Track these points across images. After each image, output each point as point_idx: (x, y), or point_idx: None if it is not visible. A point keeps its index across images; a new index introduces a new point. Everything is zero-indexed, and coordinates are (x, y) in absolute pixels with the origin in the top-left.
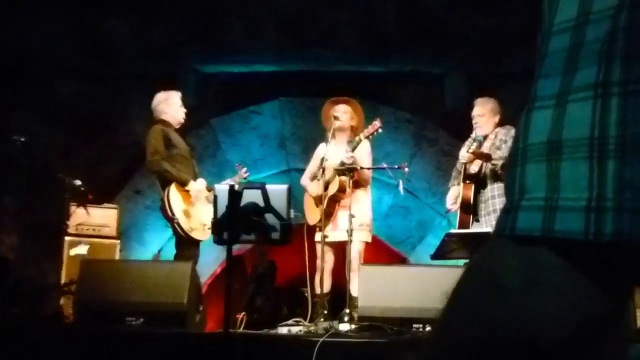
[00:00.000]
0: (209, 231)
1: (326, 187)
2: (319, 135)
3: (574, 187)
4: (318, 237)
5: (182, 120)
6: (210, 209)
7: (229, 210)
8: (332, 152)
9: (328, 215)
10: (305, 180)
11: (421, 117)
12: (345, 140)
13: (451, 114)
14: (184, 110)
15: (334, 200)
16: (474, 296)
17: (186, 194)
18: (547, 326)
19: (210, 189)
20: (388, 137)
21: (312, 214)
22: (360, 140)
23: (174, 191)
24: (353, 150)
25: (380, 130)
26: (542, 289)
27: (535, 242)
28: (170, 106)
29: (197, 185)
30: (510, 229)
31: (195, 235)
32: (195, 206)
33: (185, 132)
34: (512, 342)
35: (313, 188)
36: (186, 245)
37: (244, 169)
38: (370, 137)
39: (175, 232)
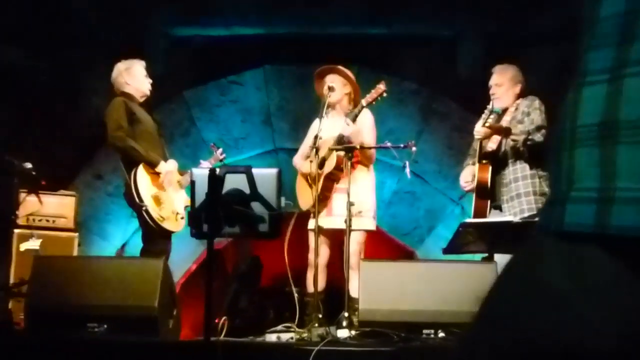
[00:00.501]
0: (182, 221)
1: (322, 166)
2: (311, 109)
3: (633, 175)
4: (311, 224)
5: (148, 93)
6: (183, 195)
7: (209, 198)
8: (327, 127)
9: (323, 199)
10: (297, 159)
11: (430, 87)
12: (340, 113)
13: (465, 83)
14: (149, 81)
15: (331, 179)
16: (512, 302)
17: (156, 176)
18: (595, 336)
19: (182, 172)
20: (392, 111)
21: (305, 197)
22: (362, 109)
23: (142, 173)
24: (354, 120)
25: (385, 95)
26: (592, 295)
27: (585, 240)
28: (132, 77)
29: (169, 167)
30: (557, 224)
31: (166, 225)
32: (167, 192)
33: (153, 106)
34: (554, 354)
35: (306, 166)
36: (156, 238)
37: (220, 150)
38: (374, 103)
39: (142, 222)
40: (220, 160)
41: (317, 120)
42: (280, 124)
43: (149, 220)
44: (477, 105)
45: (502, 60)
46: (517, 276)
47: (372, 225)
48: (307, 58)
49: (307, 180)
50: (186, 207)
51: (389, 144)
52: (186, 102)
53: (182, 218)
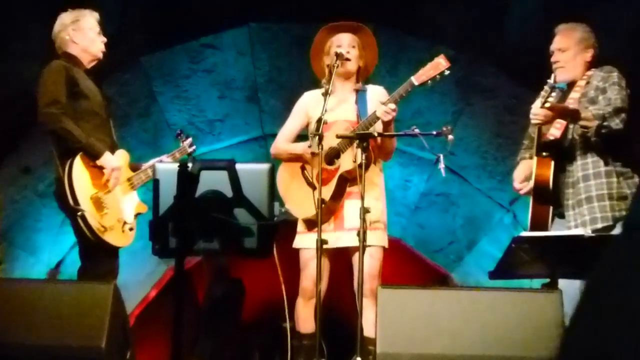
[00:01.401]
0: (132, 234)
1: (331, 162)
2: (311, 81)
3: None
4: (303, 241)
5: (100, 56)
6: (134, 198)
7: (177, 202)
8: (334, 107)
9: (331, 207)
10: (281, 144)
11: (471, 54)
12: (350, 88)
13: (518, 48)
14: (102, 39)
15: (345, 180)
16: (604, 320)
17: (98, 172)
18: None
19: (136, 167)
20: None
21: (299, 200)
22: (409, 89)
23: (79, 167)
24: (395, 103)
25: (446, 73)
26: None
27: None
28: (81, 33)
29: (116, 161)
30: None
31: (109, 238)
32: (113, 193)
33: (101, 76)
34: None
35: (296, 147)
36: (98, 255)
37: (189, 140)
38: (429, 83)
39: (78, 232)
40: (188, 154)
41: (308, 95)
42: (270, 101)
43: (85, 229)
44: (534, 78)
45: (566, 18)
46: (608, 289)
47: (385, 241)
48: (305, 14)
49: (306, 177)
50: (137, 214)
51: (416, 131)
52: (144, 71)
53: (131, 229)
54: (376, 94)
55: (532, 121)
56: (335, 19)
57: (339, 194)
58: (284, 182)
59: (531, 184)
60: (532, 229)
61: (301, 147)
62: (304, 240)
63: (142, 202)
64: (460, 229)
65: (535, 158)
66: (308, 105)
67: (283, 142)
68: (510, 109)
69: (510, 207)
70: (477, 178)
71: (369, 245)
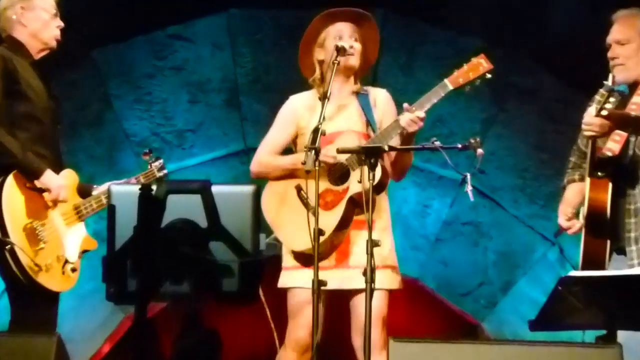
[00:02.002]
0: (74, 276)
1: (338, 182)
2: (305, 81)
3: None
4: (295, 279)
5: (53, 45)
6: (80, 230)
7: (138, 234)
8: (332, 115)
9: (335, 241)
10: (265, 158)
11: (505, 47)
12: (349, 91)
13: (564, 41)
14: (59, 24)
15: (354, 205)
16: None
17: (36, 196)
18: None
19: (87, 191)
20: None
21: (292, 229)
22: (442, 94)
23: (11, 188)
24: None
25: (488, 76)
26: None
27: None
28: (33, 13)
29: (60, 181)
30: None
31: (45, 280)
32: (53, 224)
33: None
34: None
35: (283, 161)
36: (30, 300)
37: (159, 162)
38: (465, 87)
39: (6, 271)
40: (157, 178)
41: (296, 99)
42: (254, 107)
43: (14, 268)
44: (586, 78)
45: (627, 2)
46: None
47: (395, 283)
48: None
49: (302, 198)
50: (84, 251)
51: (437, 143)
52: (97, 68)
53: (73, 270)
54: (380, 98)
55: (585, 132)
56: (335, 4)
57: (346, 222)
58: (273, 206)
59: (584, 212)
60: (585, 267)
61: (291, 160)
62: (296, 278)
63: (91, 237)
64: (493, 266)
65: (588, 179)
66: (297, 112)
67: (267, 155)
68: (555, 116)
69: (556, 239)
70: (513, 203)
71: (377, 289)
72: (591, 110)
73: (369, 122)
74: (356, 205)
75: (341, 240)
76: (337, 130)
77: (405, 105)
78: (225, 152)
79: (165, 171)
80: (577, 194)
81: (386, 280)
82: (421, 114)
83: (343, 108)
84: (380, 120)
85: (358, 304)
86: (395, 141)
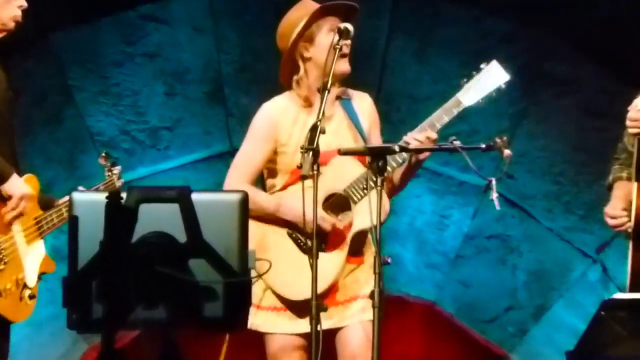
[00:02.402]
0: (32, 304)
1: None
2: None
3: None
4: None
5: (11, 26)
6: (40, 250)
7: (105, 251)
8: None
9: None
10: (238, 185)
11: (538, 29)
12: (333, 98)
13: (607, 24)
14: (20, 3)
15: (359, 244)
16: None
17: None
18: None
19: (48, 200)
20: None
21: (287, 277)
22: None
23: None
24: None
25: (503, 87)
26: None
27: None
28: None
29: (25, 188)
30: None
31: (2, 309)
32: (13, 240)
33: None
34: None
35: (264, 200)
36: None
37: (117, 169)
38: (479, 102)
39: None
40: (114, 186)
41: (273, 108)
42: (242, 100)
43: None
44: (635, 66)
45: None
46: None
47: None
48: None
49: (297, 241)
50: (42, 273)
51: (457, 143)
52: (55, 55)
53: (31, 297)
54: (366, 105)
55: (630, 130)
56: None
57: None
58: (261, 248)
59: (633, 218)
60: (633, 288)
61: (274, 203)
62: (277, 324)
63: (49, 257)
64: (524, 288)
65: (635, 184)
66: (277, 125)
67: (241, 183)
68: (597, 110)
69: (598, 255)
70: (547, 213)
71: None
72: (637, 102)
73: (360, 135)
74: (360, 242)
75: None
76: (325, 147)
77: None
78: (208, 153)
79: (122, 181)
80: (627, 193)
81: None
82: (433, 135)
83: (329, 119)
84: (367, 130)
85: (347, 337)
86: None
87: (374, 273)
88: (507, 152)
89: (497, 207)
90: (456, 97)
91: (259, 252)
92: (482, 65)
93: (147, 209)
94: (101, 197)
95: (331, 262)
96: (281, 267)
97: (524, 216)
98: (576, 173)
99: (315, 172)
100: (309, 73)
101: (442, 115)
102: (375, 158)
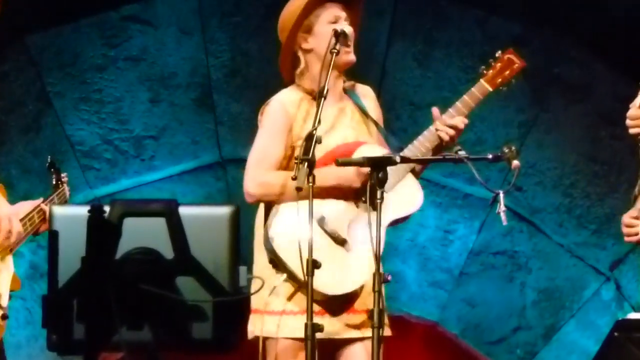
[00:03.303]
0: (3, 325)
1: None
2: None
3: None
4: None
5: None
6: (9, 268)
7: (87, 268)
8: (334, 122)
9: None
10: (267, 175)
11: (548, 30)
12: (341, 87)
13: (623, 23)
14: None
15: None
16: None
17: None
18: None
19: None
20: (467, 82)
21: (329, 269)
22: (479, 97)
23: None
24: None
25: (520, 76)
26: None
27: None
28: None
29: (7, 208)
30: None
31: None
32: None
33: None
34: None
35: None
36: None
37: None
38: (502, 86)
39: None
40: (61, 196)
41: (285, 100)
42: (232, 107)
43: None
44: None
45: None
46: None
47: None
48: None
49: (326, 231)
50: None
51: (462, 153)
52: (31, 59)
53: (4, 318)
54: (370, 96)
55: (631, 130)
56: None
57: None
58: (287, 237)
59: None
60: None
61: (334, 175)
62: (295, 327)
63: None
64: (533, 307)
65: None
66: (292, 116)
67: (269, 172)
68: (611, 118)
69: (612, 272)
70: (558, 227)
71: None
72: (637, 101)
73: (376, 126)
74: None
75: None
76: (342, 140)
77: (435, 110)
78: (196, 164)
79: (68, 192)
80: None
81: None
82: (464, 119)
83: (342, 112)
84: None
85: (352, 356)
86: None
87: (373, 291)
88: (515, 162)
89: (505, 222)
90: (480, 82)
91: (288, 243)
92: (498, 54)
93: (131, 223)
94: (83, 210)
95: (365, 256)
96: (325, 259)
97: (533, 231)
98: (588, 185)
99: (311, 184)
100: (311, 65)
101: (467, 100)
102: (377, 168)
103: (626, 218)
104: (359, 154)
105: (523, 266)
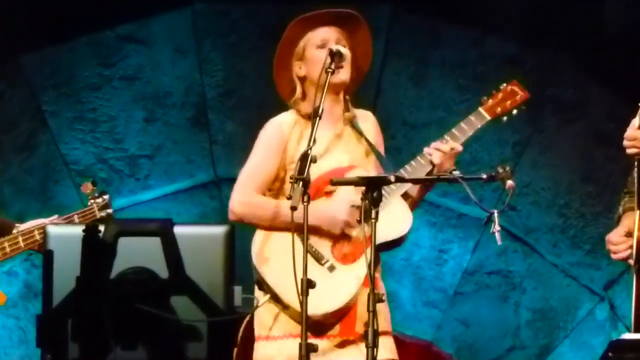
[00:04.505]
0: None
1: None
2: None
3: None
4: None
5: None
6: None
7: (82, 287)
8: (329, 145)
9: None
10: (253, 198)
11: (542, 51)
12: (340, 112)
13: (617, 45)
14: None
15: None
16: None
17: None
18: None
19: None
20: (461, 102)
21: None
22: (477, 125)
23: None
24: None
25: (523, 107)
26: None
27: None
28: None
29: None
30: None
31: None
32: None
33: None
34: None
35: (280, 206)
36: None
37: (103, 198)
38: (502, 116)
39: None
40: (102, 218)
41: (283, 121)
42: (227, 126)
43: None
44: None
45: None
46: None
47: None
48: None
49: (315, 255)
50: None
51: (456, 173)
52: (27, 79)
53: None
54: (370, 123)
55: (628, 150)
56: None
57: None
58: (275, 263)
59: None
60: (638, 327)
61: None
62: (292, 349)
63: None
64: (527, 327)
65: (638, 212)
66: (287, 138)
67: (254, 194)
68: (605, 138)
69: (606, 292)
70: (552, 247)
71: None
72: (636, 120)
73: (374, 152)
74: (379, 257)
75: (355, 300)
76: (337, 164)
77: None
78: (191, 183)
79: (109, 210)
80: (629, 224)
81: (388, 348)
82: (459, 147)
83: (340, 137)
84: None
85: None
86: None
87: (368, 311)
88: (509, 182)
89: (499, 242)
90: (479, 111)
91: (280, 254)
92: (503, 85)
93: (126, 243)
94: (78, 230)
95: (349, 277)
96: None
97: (527, 251)
98: (583, 205)
99: (305, 203)
100: (307, 92)
101: (463, 127)
102: (371, 188)
103: (614, 237)
104: (352, 174)
105: (517, 286)
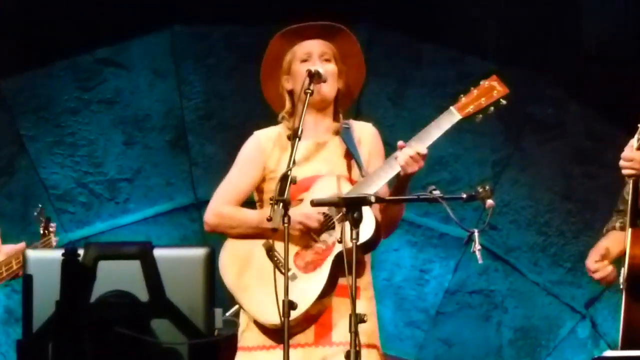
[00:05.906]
0: None
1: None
2: (273, 115)
3: None
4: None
5: None
6: None
7: (62, 311)
8: (309, 156)
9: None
10: (225, 208)
11: (522, 69)
12: (327, 126)
13: (596, 63)
14: None
15: (340, 265)
16: None
17: None
18: None
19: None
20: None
21: (261, 298)
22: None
23: None
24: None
25: (503, 102)
26: None
27: None
28: None
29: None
30: None
31: None
32: None
33: None
34: None
35: (250, 215)
36: None
37: (52, 226)
38: (478, 117)
39: None
40: (47, 244)
41: (262, 136)
42: (206, 148)
43: None
44: (626, 108)
45: None
46: None
47: None
48: (260, 11)
49: (275, 259)
50: None
51: (436, 193)
52: (6, 103)
53: None
54: (366, 134)
55: (623, 170)
56: (306, 18)
57: (330, 288)
58: (235, 268)
59: (624, 269)
60: (626, 345)
61: (257, 217)
62: None
63: None
64: (510, 346)
65: (629, 230)
66: (265, 150)
67: (226, 205)
68: (585, 156)
69: (588, 310)
70: (533, 266)
71: None
72: (633, 141)
73: (356, 162)
74: (343, 265)
75: (322, 309)
76: (315, 173)
77: (400, 143)
78: (171, 206)
79: (56, 239)
80: (615, 244)
81: None
82: (423, 149)
83: (322, 147)
84: (366, 160)
85: None
86: (383, 190)
87: (350, 332)
88: (489, 202)
89: (480, 261)
90: (450, 110)
91: (244, 265)
92: (481, 82)
93: (106, 266)
94: (57, 254)
95: (310, 284)
96: (258, 288)
97: (508, 270)
98: (563, 223)
99: (286, 225)
100: (296, 105)
101: (431, 130)
102: (350, 209)
103: (589, 264)
104: (315, 187)
105: (499, 305)
